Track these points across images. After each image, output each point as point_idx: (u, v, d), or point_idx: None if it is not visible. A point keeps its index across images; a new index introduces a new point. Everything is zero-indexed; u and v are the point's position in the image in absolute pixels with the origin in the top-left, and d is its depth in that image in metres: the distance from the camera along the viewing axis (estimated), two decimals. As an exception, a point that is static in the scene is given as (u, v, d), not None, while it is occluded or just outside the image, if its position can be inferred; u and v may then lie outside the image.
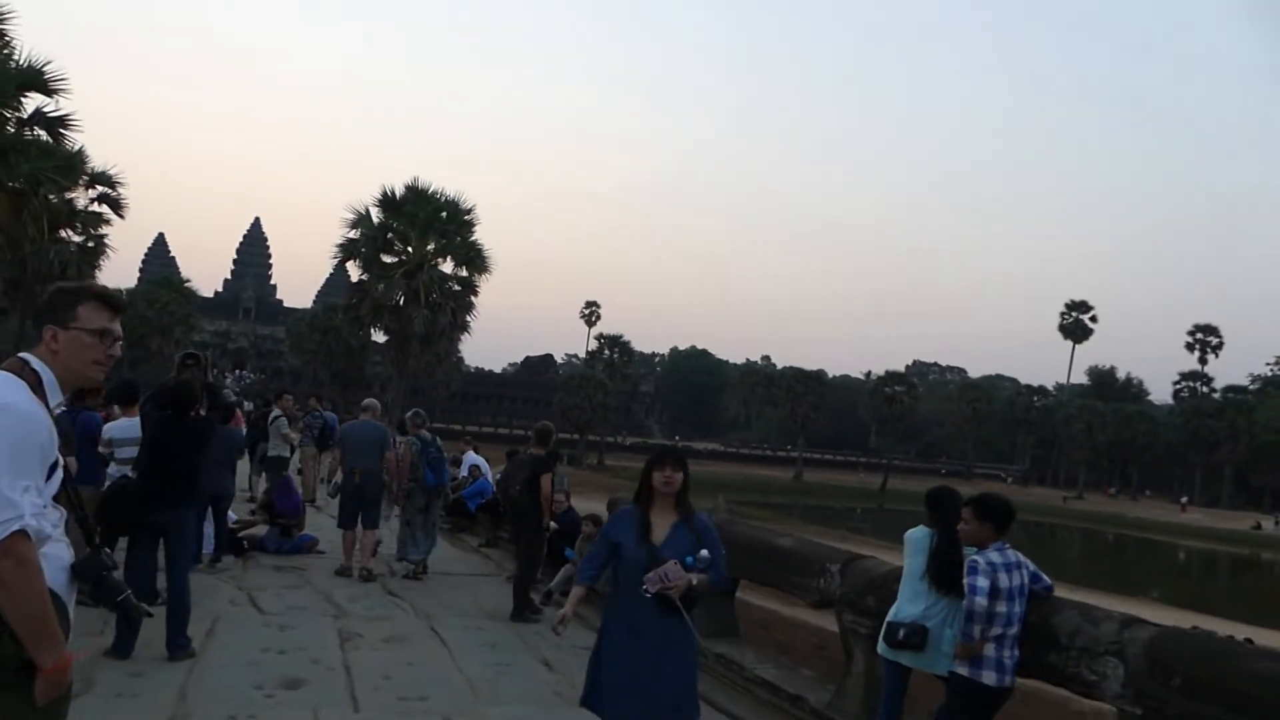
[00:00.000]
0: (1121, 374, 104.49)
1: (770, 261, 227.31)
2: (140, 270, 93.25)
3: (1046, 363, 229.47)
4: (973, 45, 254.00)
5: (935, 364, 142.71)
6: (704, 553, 3.65)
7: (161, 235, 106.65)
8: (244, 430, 13.46)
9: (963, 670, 4.03)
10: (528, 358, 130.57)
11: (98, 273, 31.45)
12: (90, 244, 31.25)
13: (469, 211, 32.31)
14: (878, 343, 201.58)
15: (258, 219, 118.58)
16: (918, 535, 4.64)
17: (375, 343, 49.29)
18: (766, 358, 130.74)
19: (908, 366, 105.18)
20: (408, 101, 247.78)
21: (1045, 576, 4.23)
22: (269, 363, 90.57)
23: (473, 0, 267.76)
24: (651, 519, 3.77)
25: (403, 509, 9.36)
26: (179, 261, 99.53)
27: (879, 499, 72.86)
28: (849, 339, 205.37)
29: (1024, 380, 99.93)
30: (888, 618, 4.57)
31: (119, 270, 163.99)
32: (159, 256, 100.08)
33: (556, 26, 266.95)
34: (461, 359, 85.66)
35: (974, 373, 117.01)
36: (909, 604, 4.50)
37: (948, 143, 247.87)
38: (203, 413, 5.86)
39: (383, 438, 9.19)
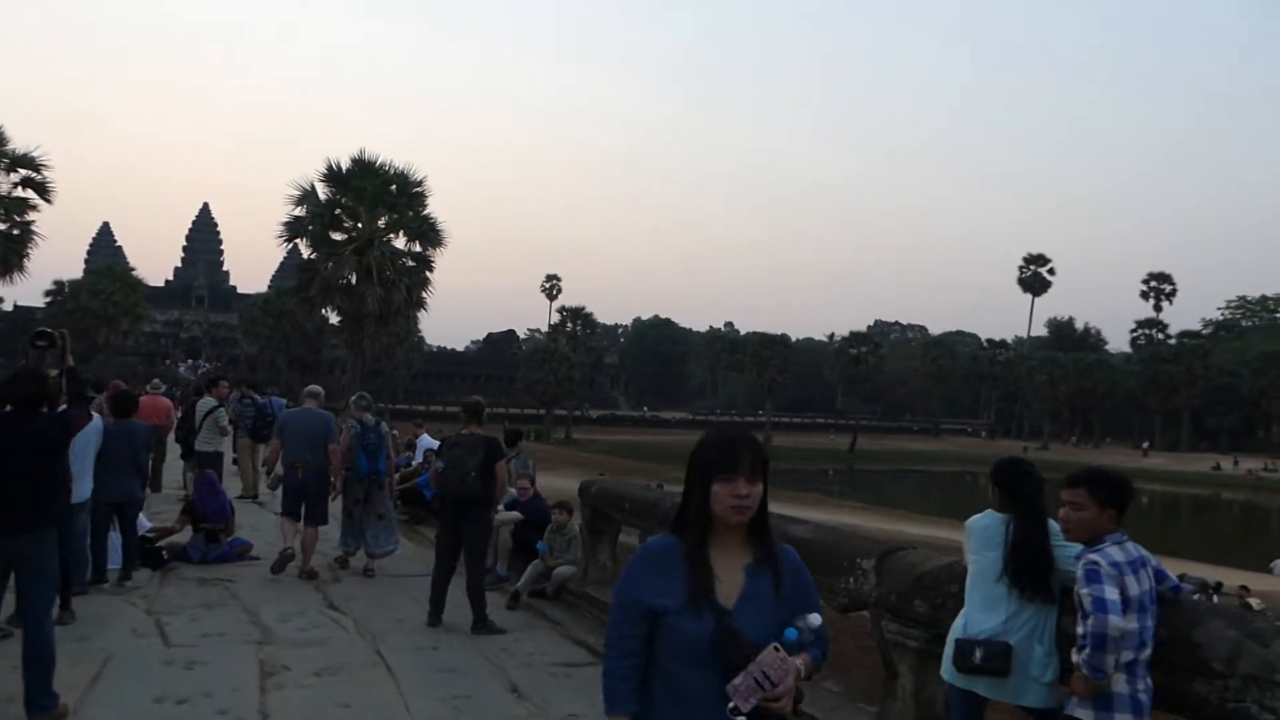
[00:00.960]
0: (1080, 325, 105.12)
1: (731, 229, 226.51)
2: (85, 261, 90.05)
3: (1006, 317, 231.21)
4: (929, 5, 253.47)
5: (896, 323, 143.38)
6: (812, 618, 2.14)
7: (106, 224, 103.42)
8: (174, 421, 12.18)
9: (1085, 713, 2.95)
10: (490, 334, 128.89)
11: (27, 261, 29.78)
12: (16, 231, 29.49)
13: (419, 184, 30.91)
14: (840, 305, 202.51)
15: (206, 204, 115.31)
16: (986, 524, 3.55)
17: (332, 326, 47.85)
18: (730, 324, 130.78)
19: (869, 327, 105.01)
20: (360, 78, 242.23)
21: (1170, 573, 3.17)
22: (224, 350, 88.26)
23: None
24: (714, 563, 2.14)
25: (342, 500, 8.66)
26: (126, 251, 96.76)
27: (849, 460, 72.65)
28: (811, 302, 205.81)
29: (984, 335, 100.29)
30: (954, 633, 3.49)
31: (63, 262, 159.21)
32: (104, 246, 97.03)
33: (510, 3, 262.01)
34: (422, 338, 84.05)
35: (935, 330, 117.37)
36: (983, 614, 3.41)
37: (905, 103, 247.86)
38: (59, 408, 4.65)
39: (326, 427, 8.40)
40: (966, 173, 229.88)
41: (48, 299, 71.03)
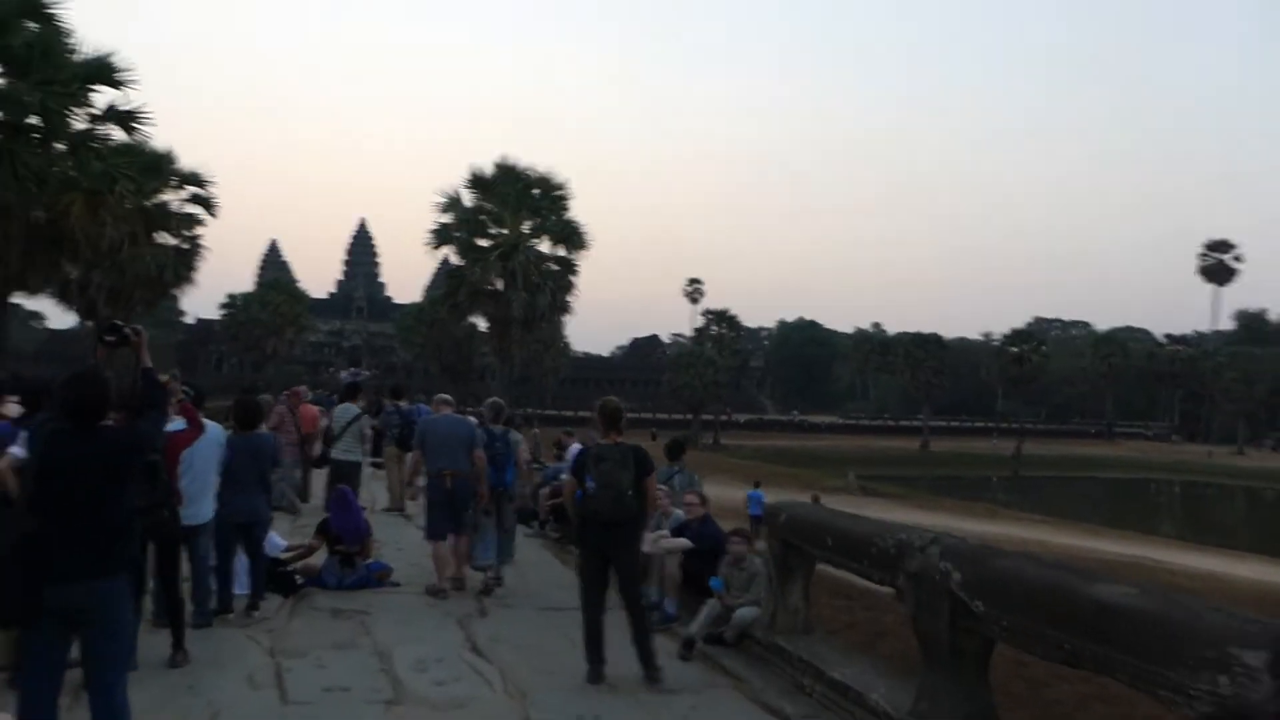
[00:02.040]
0: (1274, 316, 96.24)
1: (875, 226, 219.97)
2: (256, 277, 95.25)
3: (1184, 310, 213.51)
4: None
5: (1057, 320, 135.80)
6: None
7: (274, 242, 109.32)
8: (322, 429, 11.60)
9: None
10: (634, 340, 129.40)
11: (194, 274, 30.89)
12: (185, 246, 30.65)
13: (561, 187, 30.75)
14: (993, 302, 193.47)
15: (363, 220, 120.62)
16: None
17: (481, 333, 48.36)
18: (877, 325, 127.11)
19: (1028, 324, 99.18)
20: (502, 83, 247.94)
21: None
22: (382, 359, 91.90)
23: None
24: None
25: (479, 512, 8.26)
26: (292, 266, 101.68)
27: (1014, 466, 68.45)
28: (962, 300, 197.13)
29: (1159, 331, 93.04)
30: None
31: (235, 278, 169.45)
32: (273, 263, 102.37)
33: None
34: (568, 344, 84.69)
35: (1101, 326, 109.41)
36: None
37: (1052, 83, 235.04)
38: (130, 418, 3.75)
39: (470, 433, 7.96)
40: (1131, 150, 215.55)
41: (223, 311, 75.29)
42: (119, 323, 4.06)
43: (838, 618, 7.18)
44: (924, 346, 76.49)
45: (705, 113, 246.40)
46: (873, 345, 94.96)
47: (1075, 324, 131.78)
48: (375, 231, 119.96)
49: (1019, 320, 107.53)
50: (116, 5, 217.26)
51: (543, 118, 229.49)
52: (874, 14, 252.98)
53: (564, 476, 10.77)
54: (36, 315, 79.28)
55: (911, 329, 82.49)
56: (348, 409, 10.81)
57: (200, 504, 6.00)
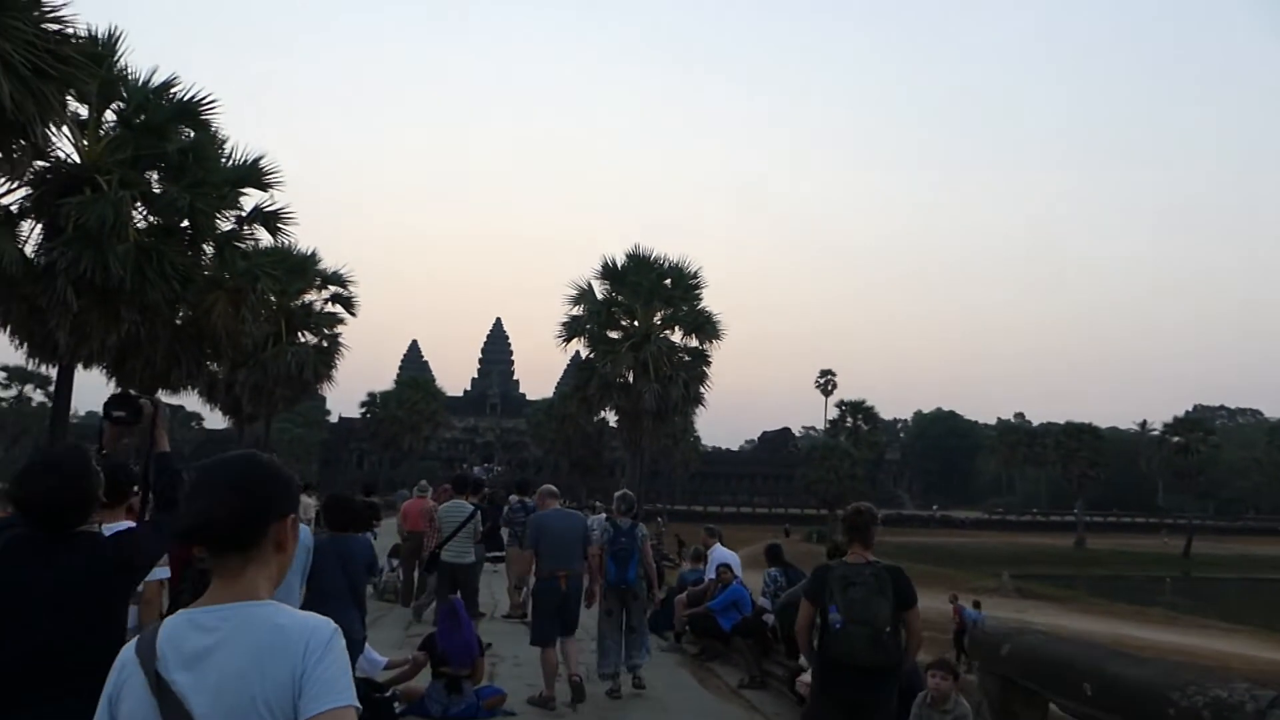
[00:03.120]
0: None
1: (1014, 313, 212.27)
2: (397, 376, 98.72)
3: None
4: (1208, 56, 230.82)
5: (1222, 407, 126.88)
6: None
7: (415, 342, 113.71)
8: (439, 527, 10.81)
9: None
10: (764, 433, 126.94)
11: (333, 372, 31.53)
12: (325, 344, 31.40)
13: (694, 276, 30.23)
14: (1146, 389, 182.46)
15: (499, 319, 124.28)
16: None
17: (611, 428, 47.92)
18: (1020, 415, 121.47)
19: (1188, 412, 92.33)
20: (632, 179, 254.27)
21: None
22: (514, 454, 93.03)
23: (678, 77, 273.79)
24: None
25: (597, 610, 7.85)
26: (431, 365, 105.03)
27: (1184, 566, 62.57)
28: (1111, 388, 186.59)
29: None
30: None
31: (380, 379, 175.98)
32: (413, 361, 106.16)
33: (770, 95, 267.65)
34: (698, 438, 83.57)
35: (1272, 413, 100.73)
36: None
37: (1196, 163, 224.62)
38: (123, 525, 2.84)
39: (584, 529, 7.63)
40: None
41: (363, 409, 77.76)
42: (132, 393, 3.05)
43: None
44: (1077, 436, 71.81)
45: (835, 206, 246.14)
46: (1019, 436, 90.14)
47: (1243, 411, 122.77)
48: (510, 329, 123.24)
49: (1175, 408, 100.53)
50: (263, 111, 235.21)
51: (674, 210, 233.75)
52: (999, 106, 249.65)
53: (707, 581, 9.71)
54: (195, 416, 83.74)
55: (1055, 418, 78.00)
56: (459, 505, 9.72)
57: None
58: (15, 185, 14.68)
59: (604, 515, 8.19)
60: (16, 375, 63.83)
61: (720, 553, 9.90)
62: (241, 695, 1.49)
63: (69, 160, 15.55)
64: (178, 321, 18.39)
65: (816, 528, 71.65)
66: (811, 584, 4.57)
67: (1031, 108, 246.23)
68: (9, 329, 15.16)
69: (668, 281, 30.08)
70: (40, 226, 15.29)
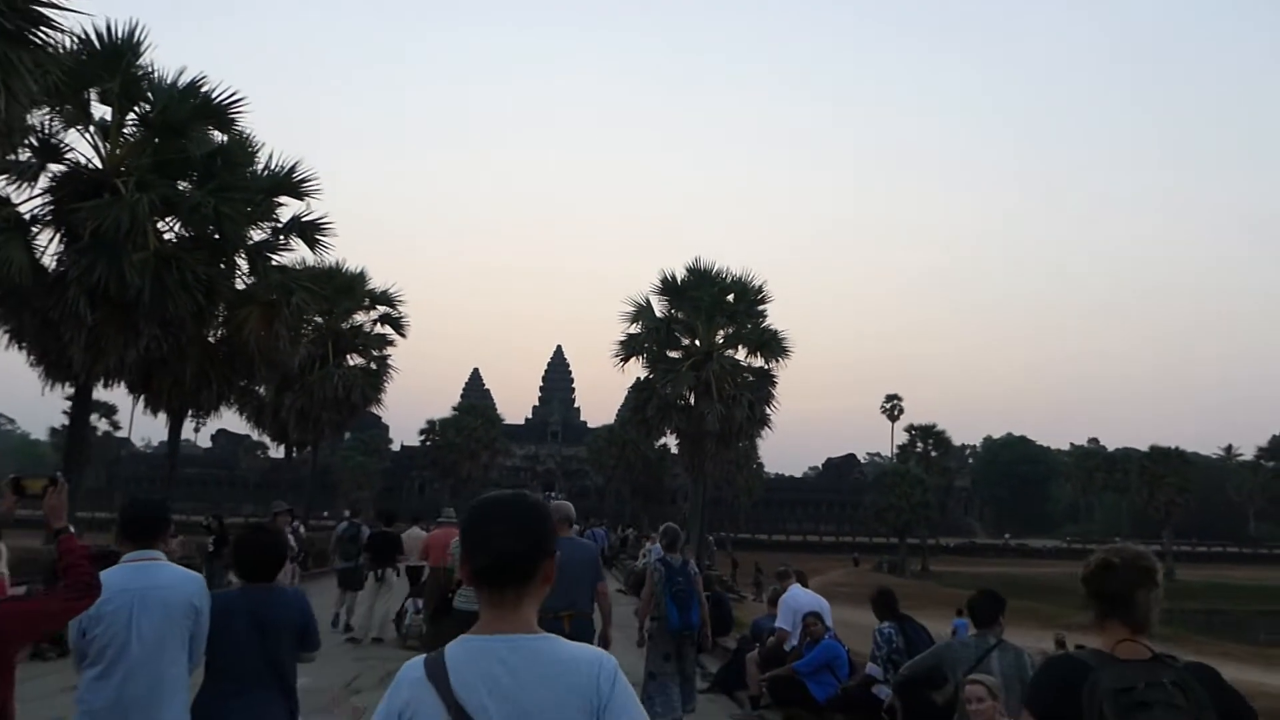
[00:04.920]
0: None
1: (1087, 335, 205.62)
2: (458, 403, 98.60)
3: None
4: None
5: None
6: None
7: (476, 370, 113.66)
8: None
9: None
10: (829, 459, 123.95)
11: (382, 395, 30.47)
12: (374, 366, 30.40)
13: (759, 291, 28.29)
14: (1230, 413, 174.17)
15: (559, 347, 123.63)
16: None
17: (672, 454, 46.22)
18: (1094, 440, 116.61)
19: (1277, 436, 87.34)
20: (694, 203, 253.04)
21: None
22: (575, 483, 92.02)
23: (748, 100, 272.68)
24: None
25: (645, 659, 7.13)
26: (493, 393, 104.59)
27: (1288, 599, 58.41)
28: (1186, 412, 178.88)
29: None
30: None
31: (443, 407, 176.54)
32: (475, 390, 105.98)
33: (835, 119, 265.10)
34: (761, 465, 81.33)
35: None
36: None
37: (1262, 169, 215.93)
38: None
39: (594, 562, 6.40)
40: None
41: (422, 437, 77.19)
42: (31, 477, 2.92)
43: None
44: (1164, 461, 68.01)
45: (897, 228, 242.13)
46: (1096, 461, 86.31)
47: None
48: (571, 357, 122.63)
49: (1260, 434, 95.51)
50: (319, 142, 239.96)
51: (737, 234, 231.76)
52: (1072, 126, 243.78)
53: (779, 631, 7.93)
54: (261, 446, 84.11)
55: (1130, 443, 74.37)
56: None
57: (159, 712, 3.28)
58: (23, 187, 13.74)
59: (658, 547, 7.16)
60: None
61: (800, 597, 8.01)
62: None
63: (89, 165, 14.59)
64: (210, 339, 17.32)
65: (886, 557, 68.98)
66: (1057, 699, 2.29)
67: (1104, 128, 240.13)
68: (22, 345, 14.11)
69: (730, 297, 28.31)
70: (59, 236, 14.32)
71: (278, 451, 32.72)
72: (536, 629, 1.70)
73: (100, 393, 16.29)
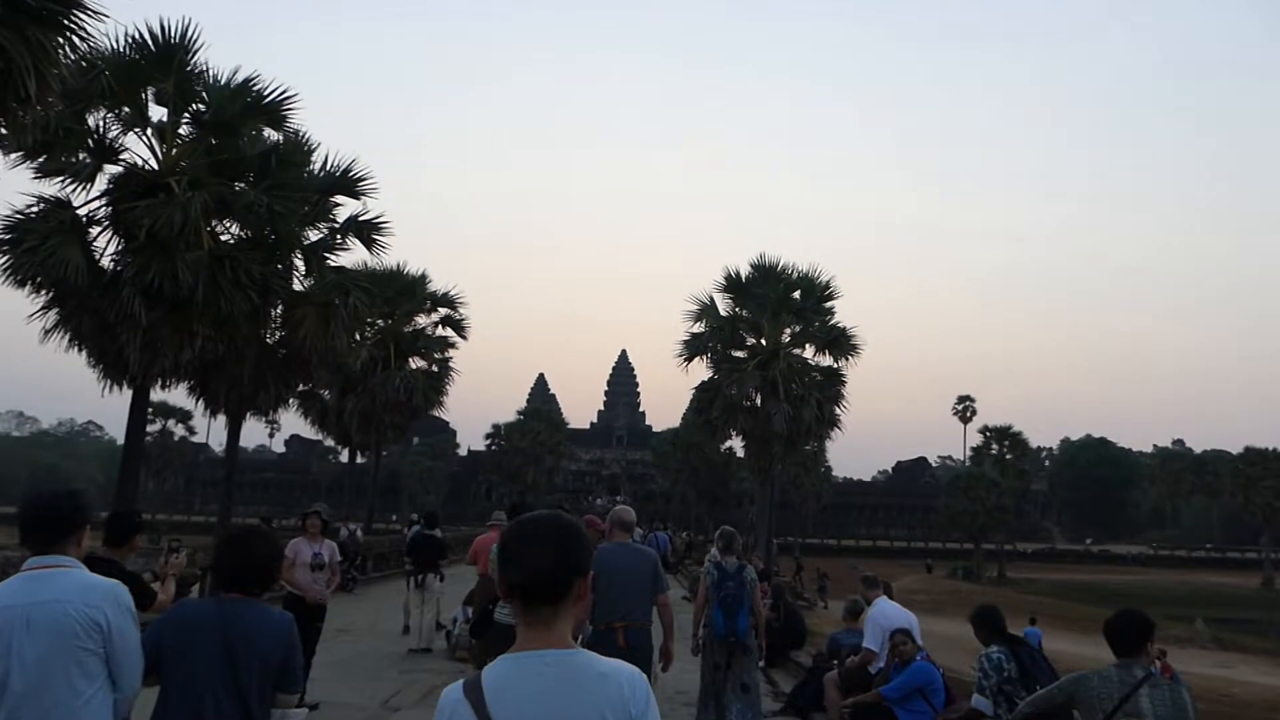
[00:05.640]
0: None
1: (1168, 334, 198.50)
2: (523, 408, 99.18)
3: None
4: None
5: None
6: None
7: (542, 375, 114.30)
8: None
9: None
10: (899, 463, 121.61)
11: (444, 398, 30.26)
12: (435, 369, 30.22)
13: (827, 287, 27.17)
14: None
15: (624, 351, 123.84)
16: None
17: (739, 458, 45.31)
18: (1179, 441, 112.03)
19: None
20: (758, 207, 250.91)
21: None
22: (640, 486, 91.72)
23: (816, 97, 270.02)
24: None
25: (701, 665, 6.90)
26: (559, 398, 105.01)
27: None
28: (1273, 411, 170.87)
29: None
30: None
31: (510, 412, 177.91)
32: (540, 394, 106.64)
33: (903, 117, 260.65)
34: (829, 468, 79.78)
35: None
36: None
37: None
38: None
39: (654, 571, 5.84)
40: None
41: (488, 441, 77.55)
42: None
43: None
44: (1260, 463, 64.77)
45: (972, 227, 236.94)
46: (1184, 464, 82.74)
47: None
48: (636, 361, 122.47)
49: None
50: (392, 156, 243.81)
51: (805, 235, 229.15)
52: (1149, 119, 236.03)
53: (864, 650, 7.16)
54: (333, 450, 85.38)
55: (1218, 445, 71.06)
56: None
57: None
58: (80, 189, 13.65)
59: (716, 552, 6.78)
60: (160, 410, 66.18)
61: (890, 612, 7.07)
62: None
63: (145, 166, 14.47)
64: (267, 340, 17.15)
65: (961, 563, 66.96)
66: None
67: (1186, 123, 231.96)
68: (81, 346, 14.02)
69: (796, 294, 27.29)
70: (117, 237, 14.22)
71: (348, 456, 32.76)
72: (571, 644, 1.74)
73: (167, 395, 16.31)
